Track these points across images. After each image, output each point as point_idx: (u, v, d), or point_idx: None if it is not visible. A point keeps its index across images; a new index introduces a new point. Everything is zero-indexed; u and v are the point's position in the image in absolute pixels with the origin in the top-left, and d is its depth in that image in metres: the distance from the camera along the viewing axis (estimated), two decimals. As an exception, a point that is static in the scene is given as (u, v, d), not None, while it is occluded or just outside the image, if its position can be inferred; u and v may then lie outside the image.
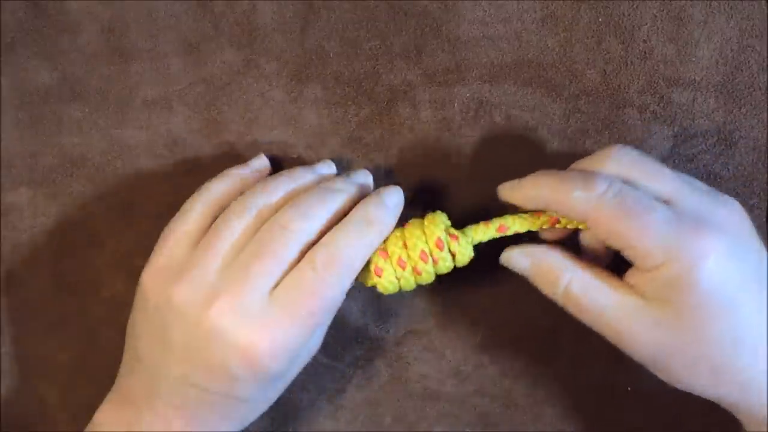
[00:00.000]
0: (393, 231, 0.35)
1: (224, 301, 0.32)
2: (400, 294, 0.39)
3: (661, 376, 0.33)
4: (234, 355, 0.32)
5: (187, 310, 0.33)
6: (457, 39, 0.38)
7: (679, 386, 0.33)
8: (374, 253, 0.35)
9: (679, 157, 0.39)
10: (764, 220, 0.39)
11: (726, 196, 0.33)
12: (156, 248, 0.35)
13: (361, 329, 0.41)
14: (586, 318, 0.33)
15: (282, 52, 0.39)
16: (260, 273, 0.33)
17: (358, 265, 0.34)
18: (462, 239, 0.35)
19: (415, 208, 0.40)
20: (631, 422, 0.41)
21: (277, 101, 0.39)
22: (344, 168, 0.40)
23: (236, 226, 0.34)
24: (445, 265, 0.35)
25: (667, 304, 0.31)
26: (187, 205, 0.36)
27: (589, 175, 0.32)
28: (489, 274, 0.40)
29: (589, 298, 0.33)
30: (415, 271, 0.35)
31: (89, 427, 0.36)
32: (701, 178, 0.39)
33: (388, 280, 0.35)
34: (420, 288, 0.40)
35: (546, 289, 0.34)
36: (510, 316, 0.39)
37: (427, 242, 0.35)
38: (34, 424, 0.42)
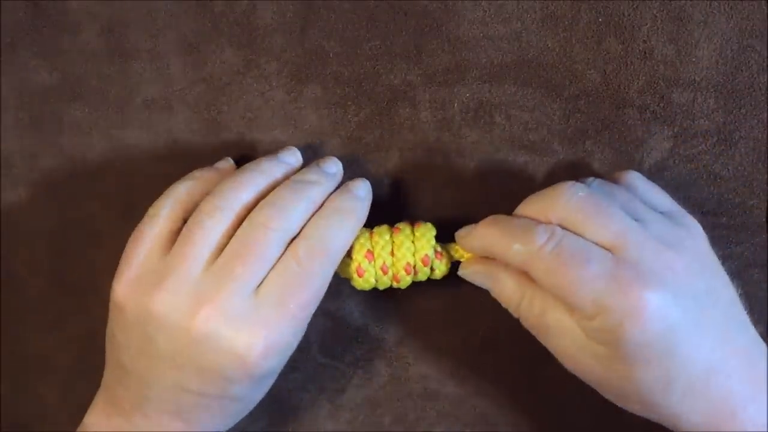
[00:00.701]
0: (381, 233, 0.36)
1: (211, 306, 0.32)
2: (397, 295, 0.39)
3: (599, 391, 0.34)
4: (228, 360, 0.32)
5: (171, 319, 0.32)
6: (457, 39, 0.38)
7: (615, 402, 0.34)
8: (360, 252, 0.35)
9: (679, 157, 0.39)
10: (764, 219, 0.39)
11: (684, 226, 0.34)
12: (125, 256, 0.34)
13: (361, 329, 0.41)
14: (538, 336, 0.34)
15: (282, 52, 0.39)
16: (245, 273, 0.32)
17: (339, 255, 0.34)
18: (445, 258, 0.36)
19: (415, 208, 0.40)
20: (631, 422, 0.41)
21: (277, 101, 0.39)
22: (344, 167, 0.39)
23: (210, 226, 0.33)
24: (423, 277, 0.36)
25: (601, 346, 0.32)
26: (153, 210, 0.35)
27: (529, 228, 0.32)
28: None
29: (541, 319, 0.33)
30: (395, 278, 0.36)
31: (81, 428, 0.36)
32: (701, 179, 0.39)
33: (366, 280, 0.36)
34: (420, 288, 0.40)
35: (505, 304, 0.35)
36: (510, 316, 0.39)
37: (414, 255, 0.36)
38: (34, 424, 0.42)
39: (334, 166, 0.37)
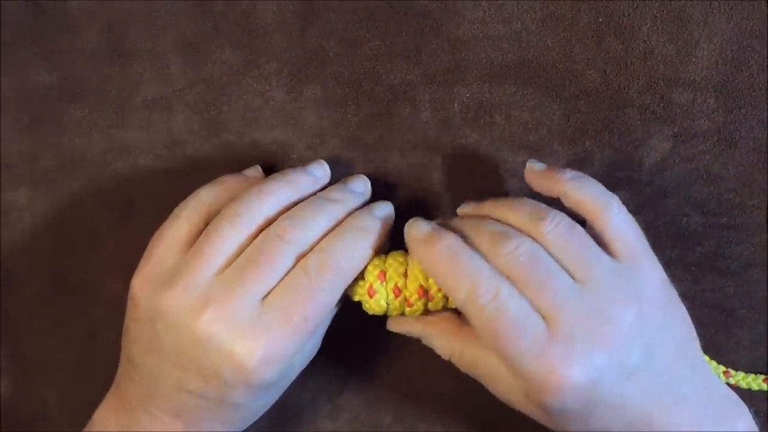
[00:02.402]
0: (396, 256, 0.35)
1: (215, 308, 0.32)
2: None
3: None
4: (227, 363, 0.32)
5: (178, 317, 0.32)
6: (457, 39, 0.38)
7: None
8: (372, 273, 0.35)
9: (679, 157, 0.39)
10: (764, 219, 0.39)
11: (633, 278, 0.33)
12: (145, 254, 0.35)
13: (361, 329, 0.41)
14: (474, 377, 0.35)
15: (282, 52, 0.39)
16: (254, 280, 0.33)
17: (350, 273, 0.34)
18: None
19: (415, 208, 0.40)
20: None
21: (277, 101, 0.39)
22: (344, 167, 0.40)
23: (228, 232, 0.34)
24: (438, 305, 0.35)
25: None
26: (177, 211, 0.35)
27: (478, 280, 0.32)
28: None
29: (473, 370, 0.35)
30: (407, 303, 0.35)
31: (88, 427, 0.36)
32: (701, 179, 0.39)
33: (377, 302, 0.35)
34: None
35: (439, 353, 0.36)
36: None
37: (427, 279, 0.35)
38: (34, 424, 0.42)
39: (361, 186, 0.38)
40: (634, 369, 0.32)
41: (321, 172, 0.37)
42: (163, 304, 0.33)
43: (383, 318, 0.41)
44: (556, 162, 0.39)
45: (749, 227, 0.39)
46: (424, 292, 0.35)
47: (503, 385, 0.33)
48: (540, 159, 0.39)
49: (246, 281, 0.32)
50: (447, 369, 0.41)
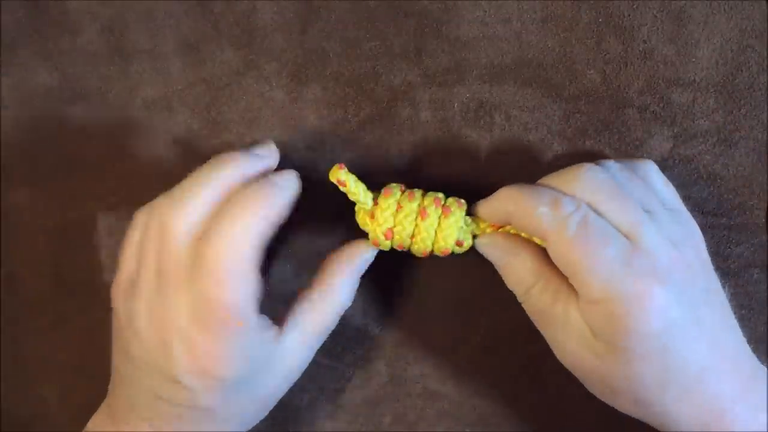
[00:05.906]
0: (408, 213, 0.35)
1: (156, 316, 0.32)
2: (397, 295, 0.39)
3: (587, 387, 0.34)
4: (180, 368, 0.32)
5: (137, 323, 0.33)
6: (457, 39, 0.38)
7: (601, 399, 0.34)
8: (382, 226, 0.35)
9: (679, 157, 0.39)
10: (764, 219, 0.39)
11: (687, 227, 0.34)
12: (119, 261, 0.35)
13: (361, 329, 0.41)
14: (538, 324, 0.34)
15: (282, 52, 0.39)
16: (166, 286, 0.32)
17: (250, 246, 0.31)
18: (467, 241, 0.36)
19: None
20: (632, 423, 0.41)
21: (277, 101, 0.39)
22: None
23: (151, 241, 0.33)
24: (441, 255, 0.36)
25: (602, 343, 0.31)
26: (135, 219, 0.35)
27: (557, 195, 0.32)
28: (489, 274, 0.40)
29: (549, 308, 0.33)
30: (399, 246, 0.36)
31: None
32: (701, 179, 0.39)
33: (381, 248, 0.36)
34: (420, 288, 0.40)
35: (513, 285, 0.34)
36: (510, 316, 0.39)
37: (433, 245, 0.35)
38: (34, 425, 0.42)
39: (264, 150, 0.35)
40: (700, 306, 0.31)
41: (266, 153, 0.35)
42: (130, 310, 0.33)
43: (383, 318, 0.41)
44: (557, 161, 0.39)
45: (749, 227, 0.39)
46: (429, 252, 0.36)
47: (572, 333, 0.32)
48: (540, 159, 0.39)
49: (162, 286, 0.32)
50: (447, 369, 0.41)
